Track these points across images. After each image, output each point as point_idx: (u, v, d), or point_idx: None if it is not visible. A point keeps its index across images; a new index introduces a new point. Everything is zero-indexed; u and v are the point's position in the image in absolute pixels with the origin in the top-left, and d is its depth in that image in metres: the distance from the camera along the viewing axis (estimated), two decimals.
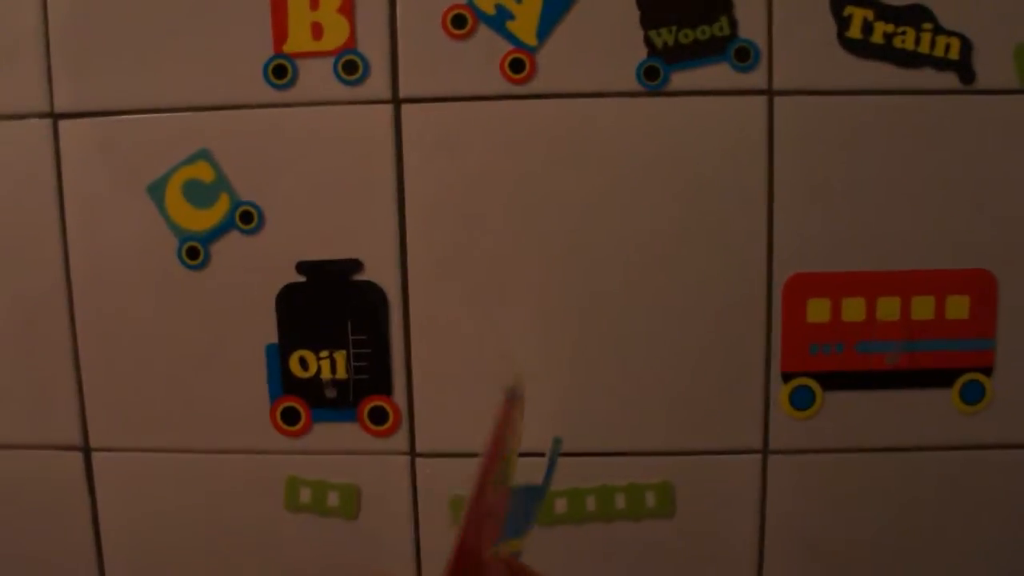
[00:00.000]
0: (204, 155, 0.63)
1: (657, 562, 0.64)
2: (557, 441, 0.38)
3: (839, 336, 0.62)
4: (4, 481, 0.68)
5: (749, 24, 0.59)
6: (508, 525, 0.37)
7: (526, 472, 0.63)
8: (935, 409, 0.62)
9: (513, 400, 0.36)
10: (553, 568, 0.64)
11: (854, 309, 0.61)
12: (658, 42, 0.60)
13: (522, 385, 0.37)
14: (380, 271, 0.62)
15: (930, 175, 0.60)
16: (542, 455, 0.63)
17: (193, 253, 0.63)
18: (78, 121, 0.63)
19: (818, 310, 0.61)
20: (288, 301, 0.63)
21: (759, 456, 0.63)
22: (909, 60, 0.59)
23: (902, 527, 0.63)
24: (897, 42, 0.59)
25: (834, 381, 0.62)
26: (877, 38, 0.59)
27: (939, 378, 0.62)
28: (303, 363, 0.63)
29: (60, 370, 0.66)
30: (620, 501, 0.63)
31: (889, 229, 0.61)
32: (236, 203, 0.63)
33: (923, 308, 0.61)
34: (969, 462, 0.62)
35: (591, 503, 0.63)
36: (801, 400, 0.62)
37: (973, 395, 0.62)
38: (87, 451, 0.67)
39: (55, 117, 0.63)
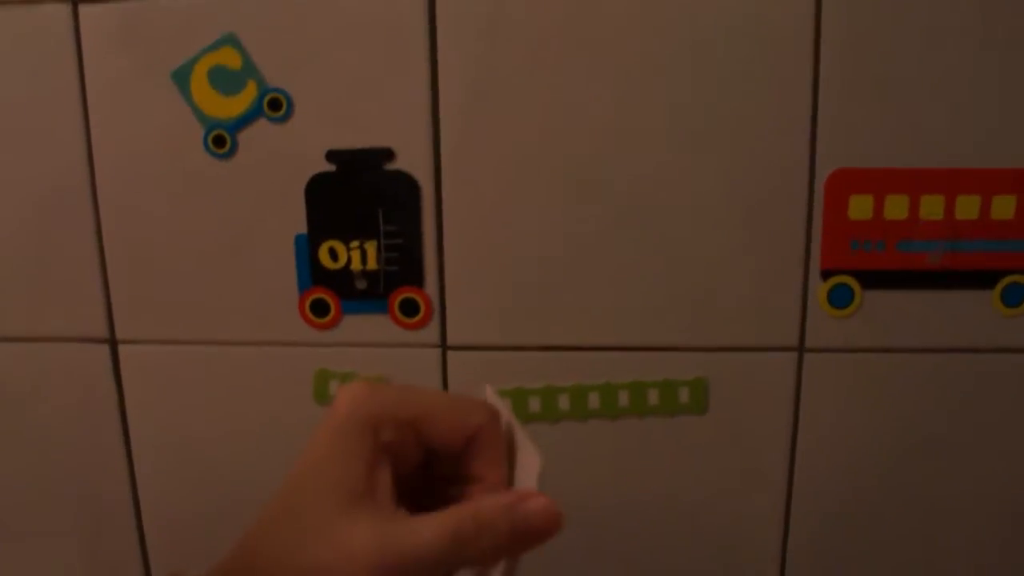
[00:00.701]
0: (230, 40, 0.61)
1: (689, 457, 0.64)
2: None
3: (881, 234, 0.60)
4: (31, 374, 0.68)
5: None
6: None
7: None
8: (975, 310, 0.60)
9: None
10: (586, 462, 0.64)
11: (897, 207, 0.60)
12: None
13: None
14: (412, 160, 0.61)
15: (980, 69, 0.58)
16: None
17: (220, 141, 0.62)
18: (98, 5, 0.61)
19: (860, 207, 0.60)
20: (318, 190, 0.62)
21: (795, 354, 0.62)
22: None
23: (938, 427, 0.62)
24: None
25: (874, 279, 0.61)
26: None
27: (981, 279, 0.60)
28: (333, 254, 0.62)
29: (85, 263, 0.65)
30: (653, 397, 0.62)
31: (935, 125, 0.58)
32: (264, 90, 0.61)
33: (968, 207, 0.60)
34: (1008, 364, 0.61)
35: (624, 398, 0.63)
36: (840, 298, 0.61)
37: (1015, 297, 0.60)
38: (113, 344, 0.67)
39: (75, 0, 0.61)
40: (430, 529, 0.33)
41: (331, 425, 0.35)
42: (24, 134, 0.64)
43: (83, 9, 0.61)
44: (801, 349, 0.62)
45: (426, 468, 0.38)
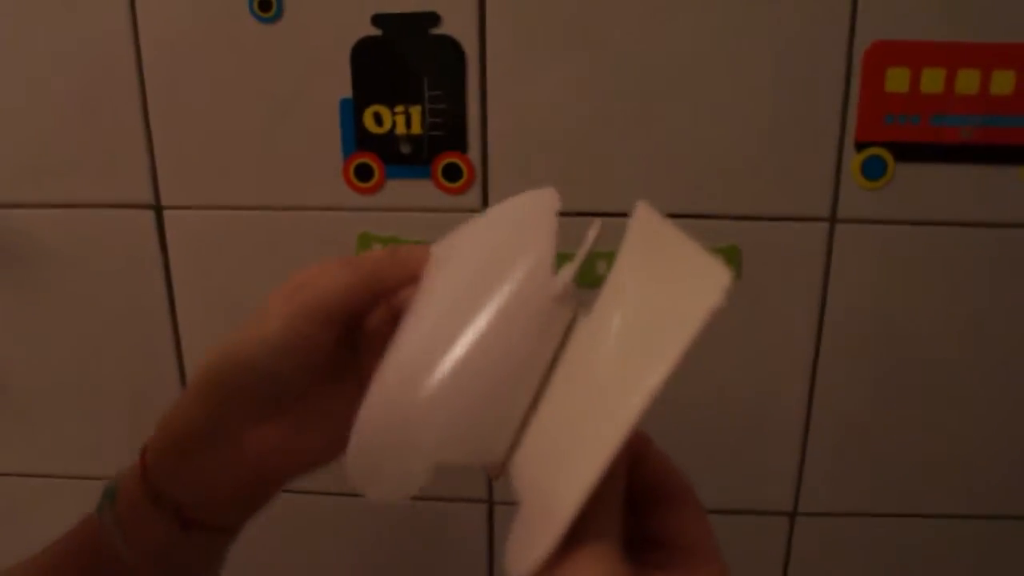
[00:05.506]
0: None
1: (719, 323, 0.65)
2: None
3: (916, 107, 0.61)
4: (78, 240, 0.69)
5: None
6: None
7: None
8: (1007, 185, 0.62)
9: None
10: None
11: (933, 80, 0.61)
12: None
13: None
14: (458, 25, 0.61)
15: None
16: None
17: (266, 5, 0.62)
18: None
19: (897, 79, 0.61)
20: (363, 54, 0.62)
21: (826, 224, 0.63)
22: None
23: (967, 301, 0.64)
24: None
25: (907, 152, 0.62)
26: None
27: (1013, 154, 0.61)
28: (377, 118, 0.63)
29: (130, 129, 0.66)
30: None
31: None
32: None
33: (1003, 83, 0.60)
34: None
35: None
36: (873, 170, 0.62)
37: None
38: (158, 209, 0.68)
39: None
40: None
41: None
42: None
43: None
44: (833, 220, 0.63)
45: None
